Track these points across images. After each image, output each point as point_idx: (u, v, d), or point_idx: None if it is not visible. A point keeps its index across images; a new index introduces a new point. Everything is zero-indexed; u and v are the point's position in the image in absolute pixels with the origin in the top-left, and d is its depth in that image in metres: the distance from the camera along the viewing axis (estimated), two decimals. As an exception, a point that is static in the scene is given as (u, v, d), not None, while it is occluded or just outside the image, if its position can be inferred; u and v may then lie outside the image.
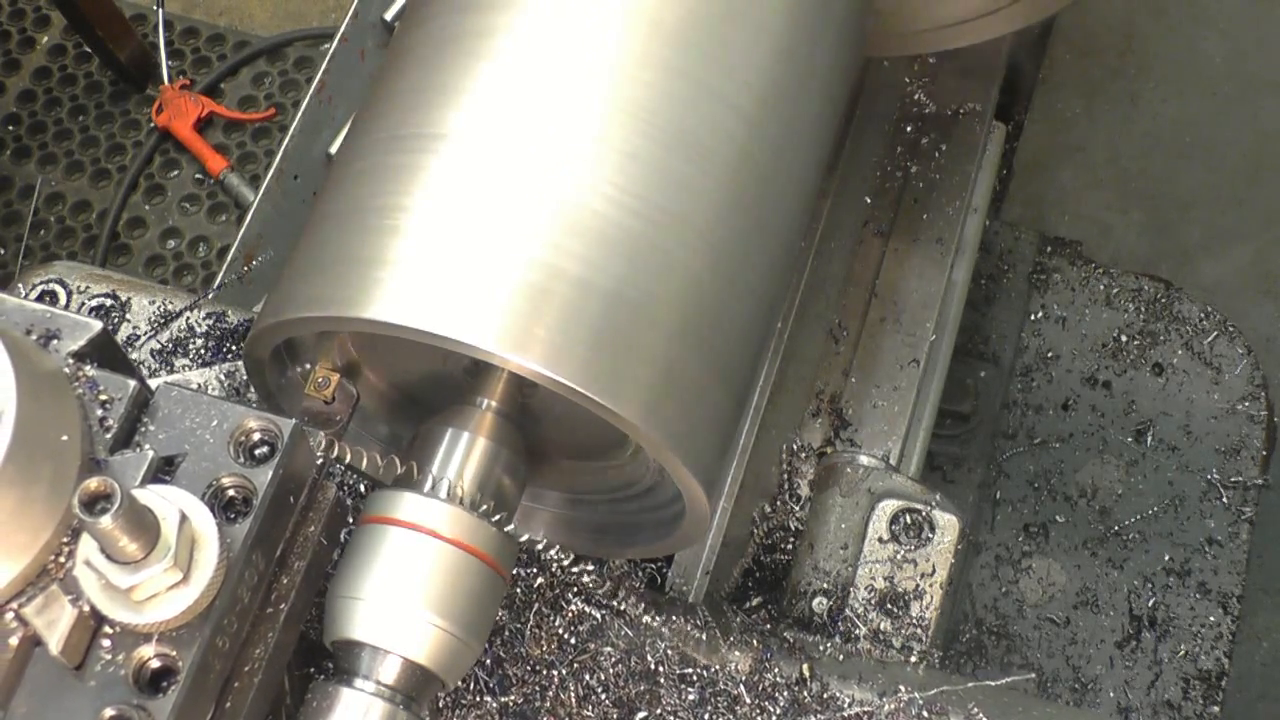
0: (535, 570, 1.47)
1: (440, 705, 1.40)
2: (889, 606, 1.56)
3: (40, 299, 1.63)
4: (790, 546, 1.74)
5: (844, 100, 1.54)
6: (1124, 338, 2.47)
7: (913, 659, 1.51)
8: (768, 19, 1.35)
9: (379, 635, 1.20)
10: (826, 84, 1.46)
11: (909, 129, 2.09)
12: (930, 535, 1.58)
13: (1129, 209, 3.55)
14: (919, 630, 1.54)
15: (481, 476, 1.30)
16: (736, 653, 1.46)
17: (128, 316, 1.66)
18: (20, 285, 1.65)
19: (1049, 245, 2.53)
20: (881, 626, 1.54)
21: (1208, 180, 3.58)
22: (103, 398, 1.15)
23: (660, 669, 1.44)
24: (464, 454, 1.31)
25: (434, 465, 1.30)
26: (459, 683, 1.40)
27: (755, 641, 1.47)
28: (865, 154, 2.05)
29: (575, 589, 1.46)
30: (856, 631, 1.54)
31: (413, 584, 1.21)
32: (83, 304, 1.66)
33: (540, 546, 1.36)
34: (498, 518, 1.27)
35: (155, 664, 1.08)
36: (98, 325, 1.21)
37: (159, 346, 1.65)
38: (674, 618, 1.48)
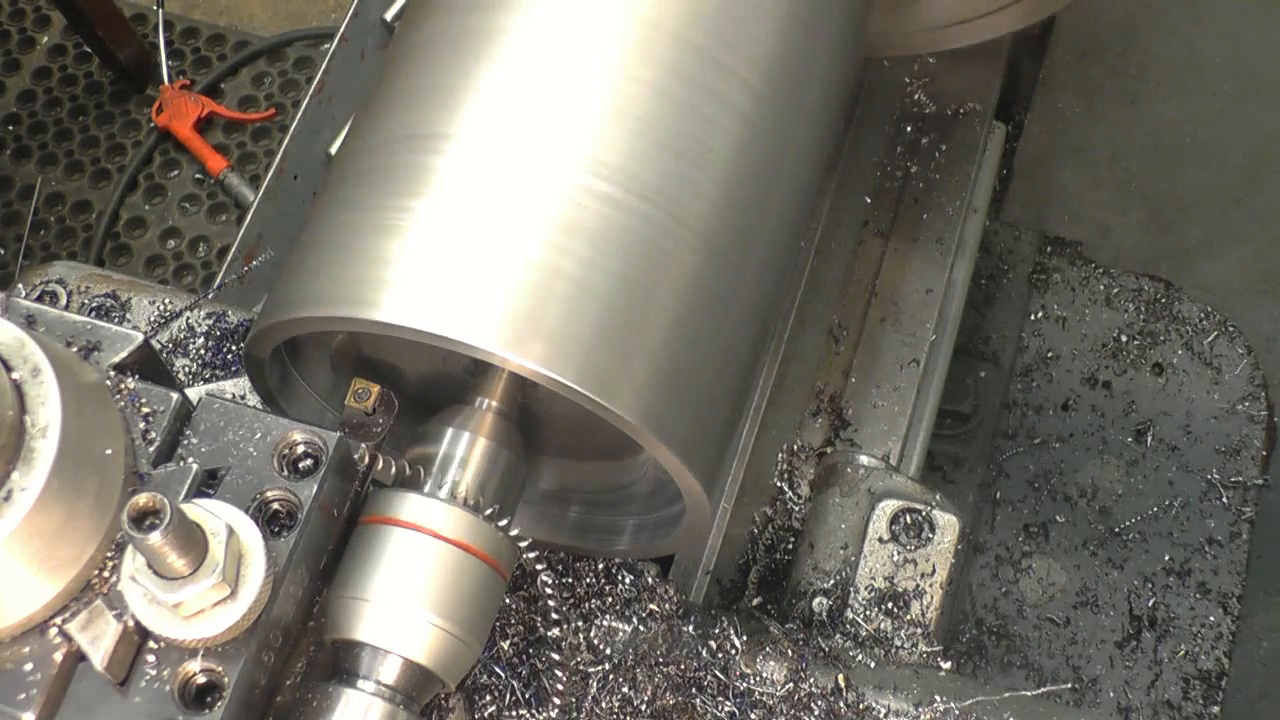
0: (571, 580, 1.48)
1: (478, 718, 1.40)
2: (889, 606, 1.56)
3: (40, 299, 1.63)
4: (790, 546, 1.74)
5: (844, 100, 1.54)
6: (1124, 338, 2.47)
7: (945, 665, 1.51)
8: (767, 19, 1.35)
9: (379, 635, 1.20)
10: (826, 84, 1.46)
11: (909, 129, 2.09)
12: (930, 535, 1.58)
13: (1129, 209, 3.55)
14: (919, 630, 1.54)
15: (482, 477, 1.30)
16: (772, 663, 1.46)
17: (128, 316, 1.65)
18: (20, 285, 1.65)
19: (1049, 245, 2.53)
20: (882, 626, 1.54)
21: (1208, 180, 3.57)
22: (145, 410, 1.15)
23: (695, 680, 1.44)
24: (464, 454, 1.31)
25: (434, 465, 1.30)
26: (496, 696, 1.40)
27: (790, 651, 1.47)
28: (865, 154, 2.05)
29: (610, 598, 1.46)
30: (858, 632, 1.54)
31: (413, 584, 1.21)
32: (83, 304, 1.66)
33: (526, 549, 1.35)
34: (494, 515, 1.26)
35: (201, 679, 1.08)
36: (139, 337, 1.21)
37: (159, 347, 1.65)
38: (708, 628, 1.48)
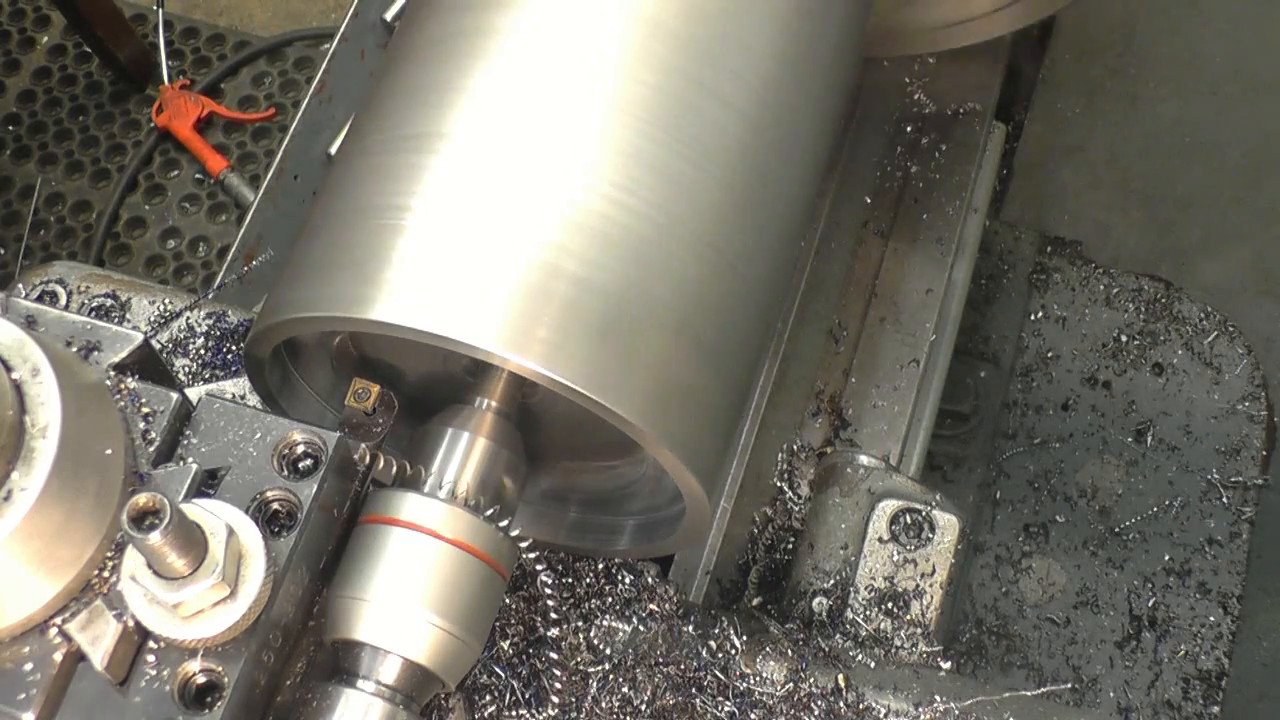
0: (571, 580, 1.47)
1: (478, 718, 1.40)
2: (889, 606, 1.56)
3: (40, 299, 1.63)
4: (790, 546, 1.74)
5: (844, 100, 1.54)
6: (1124, 338, 2.47)
7: (945, 665, 1.51)
8: (767, 19, 1.35)
9: (379, 635, 1.20)
10: (826, 84, 1.46)
11: (909, 129, 2.09)
12: (930, 535, 1.58)
13: (1129, 209, 3.55)
14: (919, 630, 1.54)
15: (482, 477, 1.30)
16: (772, 663, 1.46)
17: (128, 316, 1.65)
18: (20, 285, 1.65)
19: (1049, 245, 2.53)
20: (882, 626, 1.54)
21: (1208, 180, 3.57)
22: (145, 410, 1.15)
23: (695, 680, 1.44)
24: (464, 454, 1.31)
25: (434, 465, 1.30)
26: (496, 696, 1.40)
27: (790, 651, 1.47)
28: (865, 154, 2.05)
29: (610, 598, 1.46)
30: (858, 632, 1.54)
31: (413, 584, 1.21)
32: (83, 304, 1.66)
33: (526, 549, 1.36)
34: (494, 515, 1.27)
35: (201, 679, 1.08)
36: (139, 337, 1.21)
37: (159, 347, 1.65)
38: (708, 628, 1.48)
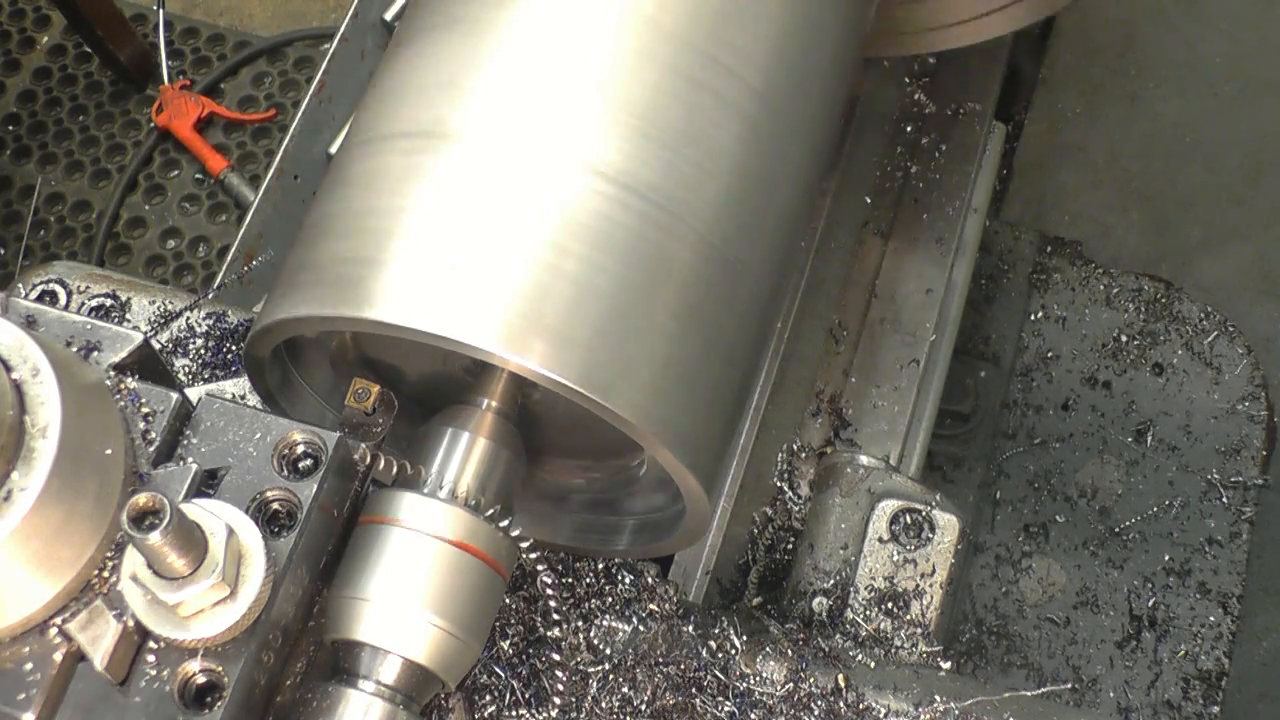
0: (571, 580, 1.47)
1: (478, 718, 1.40)
2: (889, 606, 1.56)
3: (40, 299, 1.63)
4: (790, 546, 1.74)
5: (844, 100, 1.54)
6: (1124, 338, 2.47)
7: (945, 665, 1.51)
8: (767, 19, 1.35)
9: (379, 635, 1.20)
10: (826, 84, 1.46)
11: (909, 129, 2.09)
12: (930, 535, 1.58)
13: (1129, 209, 3.56)
14: (919, 630, 1.54)
15: (482, 477, 1.30)
16: (772, 663, 1.46)
17: (128, 316, 1.65)
18: (20, 285, 1.65)
19: (1049, 245, 2.53)
20: (882, 626, 1.54)
21: (1208, 180, 3.58)
22: (145, 410, 1.15)
23: (695, 680, 1.44)
24: (464, 454, 1.31)
25: (434, 465, 1.30)
26: (496, 696, 1.40)
27: (790, 651, 1.47)
28: (865, 154, 2.05)
29: (610, 598, 1.46)
30: (858, 632, 1.54)
31: (413, 584, 1.21)
32: (83, 304, 1.66)
33: (526, 549, 1.36)
34: (494, 515, 1.26)
35: (201, 679, 1.08)
36: (139, 337, 1.21)
37: (159, 347, 1.65)
38: (708, 628, 1.48)
